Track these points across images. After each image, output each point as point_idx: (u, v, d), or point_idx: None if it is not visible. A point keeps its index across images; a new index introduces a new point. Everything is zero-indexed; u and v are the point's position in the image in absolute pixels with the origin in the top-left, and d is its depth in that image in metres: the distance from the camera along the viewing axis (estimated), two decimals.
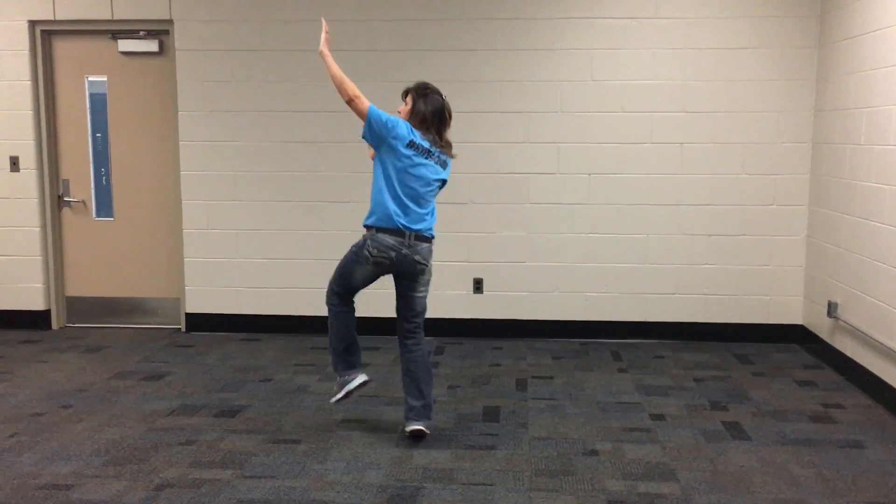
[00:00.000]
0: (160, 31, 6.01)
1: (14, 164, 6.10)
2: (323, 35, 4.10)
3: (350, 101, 3.97)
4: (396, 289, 4.13)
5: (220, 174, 6.03)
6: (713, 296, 5.91)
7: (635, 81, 5.76)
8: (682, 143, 5.79)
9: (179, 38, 5.93)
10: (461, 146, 5.80)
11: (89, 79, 6.17)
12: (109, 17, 5.94)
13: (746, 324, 5.90)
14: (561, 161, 5.86)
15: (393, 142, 3.89)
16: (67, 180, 6.26)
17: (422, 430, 4.06)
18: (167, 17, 5.91)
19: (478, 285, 6.03)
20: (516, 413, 4.48)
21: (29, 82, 6.03)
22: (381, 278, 4.12)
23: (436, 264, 5.98)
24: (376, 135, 3.92)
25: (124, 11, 5.92)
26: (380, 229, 3.95)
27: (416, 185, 3.93)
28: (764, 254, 5.85)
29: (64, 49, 6.13)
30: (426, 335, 6.04)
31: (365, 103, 3.94)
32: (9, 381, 5.02)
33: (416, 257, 3.99)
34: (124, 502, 3.42)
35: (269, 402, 4.65)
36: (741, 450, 3.98)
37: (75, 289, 6.35)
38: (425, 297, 4.14)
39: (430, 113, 3.97)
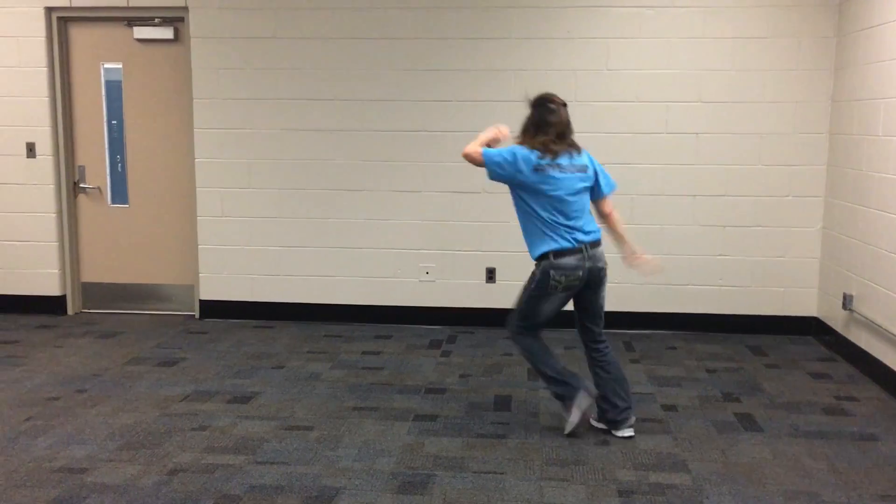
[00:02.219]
0: (175, 19, 6.02)
1: (30, 150, 6.14)
2: (494, 134, 3.99)
3: (467, 157, 3.90)
4: (580, 300, 4.02)
5: (234, 162, 6.05)
6: (727, 287, 5.88)
7: (651, 71, 5.72)
8: (697, 133, 5.75)
9: (194, 26, 5.94)
10: (475, 135, 5.80)
11: (105, 66, 6.19)
12: (125, 4, 5.96)
13: (760, 315, 5.88)
14: None
15: (520, 176, 3.82)
16: (83, 167, 6.29)
17: (630, 434, 3.99)
18: (182, 5, 5.92)
19: (490, 275, 6.03)
20: (527, 402, 4.49)
21: (45, 69, 6.06)
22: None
23: (448, 253, 6.04)
24: (502, 175, 3.86)
25: None
26: (557, 254, 3.83)
27: (559, 203, 3.83)
28: (779, 245, 5.81)
29: (80, 36, 6.15)
30: (439, 324, 6.10)
31: (477, 151, 3.86)
32: (24, 366, 5.07)
33: (599, 264, 3.92)
34: (138, 486, 3.45)
35: (282, 389, 4.67)
36: (753, 441, 3.97)
37: (90, 275, 6.40)
38: (603, 299, 4.05)
39: (557, 123, 3.90)
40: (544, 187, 3.82)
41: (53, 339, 5.66)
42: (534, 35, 5.76)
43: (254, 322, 6.12)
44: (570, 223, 3.86)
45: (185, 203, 6.22)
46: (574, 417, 3.96)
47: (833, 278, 5.56)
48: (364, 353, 5.41)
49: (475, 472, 3.61)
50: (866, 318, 4.98)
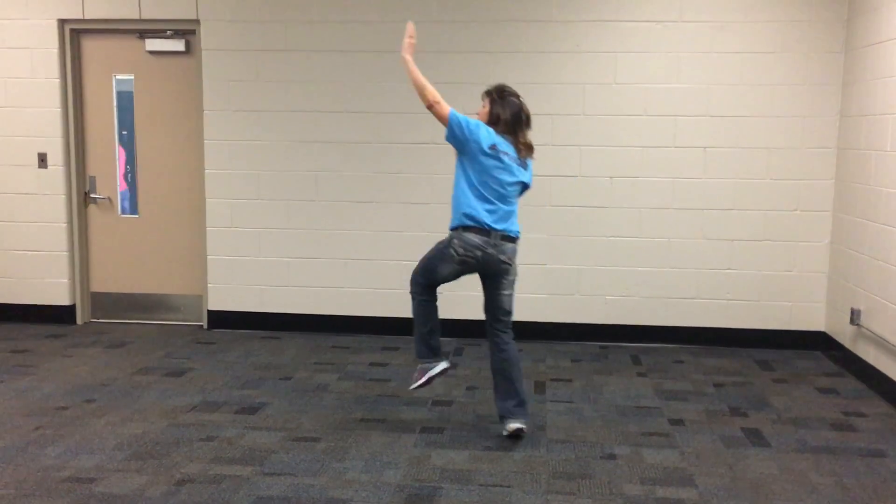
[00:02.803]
0: (187, 31, 6.07)
1: (42, 160, 6.19)
2: (406, 40, 4.14)
3: (430, 107, 4.03)
4: (484, 289, 4.19)
5: (243, 173, 6.09)
6: (735, 301, 5.88)
7: (659, 85, 5.74)
8: (705, 147, 5.76)
9: (206, 38, 5.99)
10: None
11: (117, 77, 6.24)
12: (137, 17, 6.01)
13: (768, 330, 5.87)
14: (583, 164, 5.85)
15: (474, 145, 3.96)
16: (94, 177, 6.34)
17: (522, 429, 4.09)
18: (194, 17, 5.97)
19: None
20: (534, 415, 4.49)
21: (57, 80, 6.11)
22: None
23: None
24: (458, 139, 3.99)
25: (152, 11, 5.99)
26: (466, 228, 4.01)
27: (497, 186, 4.00)
28: (787, 259, 5.81)
29: (92, 48, 6.21)
30: (446, 336, 6.09)
31: (445, 108, 4.00)
32: (34, 375, 5.09)
33: (502, 256, 4.03)
34: (146, 497, 3.46)
35: (290, 400, 4.68)
36: (760, 457, 3.96)
37: (100, 284, 6.43)
38: (512, 296, 4.17)
39: (510, 116, 4.05)
40: (489, 164, 3.97)
41: (62, 349, 5.69)
42: (543, 49, 5.79)
43: (262, 333, 6.14)
44: (497, 205, 4.01)
45: (194, 214, 6.25)
46: (419, 380, 4.19)
47: (841, 293, 5.55)
48: (371, 364, 5.42)
49: (482, 485, 3.61)
50: (874, 334, 4.97)
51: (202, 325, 6.32)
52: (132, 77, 6.22)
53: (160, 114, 6.23)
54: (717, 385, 5.06)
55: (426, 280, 4.18)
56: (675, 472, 3.77)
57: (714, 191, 5.79)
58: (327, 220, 6.08)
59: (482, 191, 3.99)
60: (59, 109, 6.14)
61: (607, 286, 5.95)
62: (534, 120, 5.91)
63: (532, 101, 5.80)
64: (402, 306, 6.09)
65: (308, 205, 6.08)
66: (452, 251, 4.04)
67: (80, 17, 6.04)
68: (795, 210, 5.77)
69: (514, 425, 4.09)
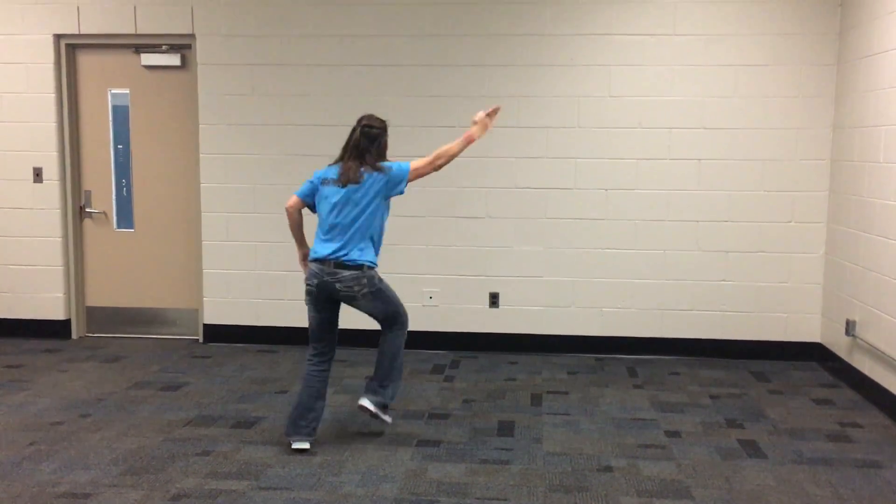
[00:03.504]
0: (182, 46, 6.09)
1: (37, 175, 6.19)
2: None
3: (288, 211, 4.26)
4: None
5: (239, 186, 6.09)
6: (730, 312, 5.89)
7: (653, 97, 5.77)
8: (699, 160, 5.79)
9: (201, 53, 6.01)
10: (479, 160, 5.88)
11: (112, 91, 6.26)
12: (133, 32, 6.03)
13: (763, 341, 5.88)
14: (578, 176, 5.87)
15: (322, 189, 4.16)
16: (89, 191, 6.34)
17: (364, 407, 4.15)
18: (189, 32, 6.00)
19: (494, 299, 6.04)
20: (531, 428, 4.48)
21: (53, 95, 6.12)
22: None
23: (451, 278, 6.05)
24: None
25: (147, 26, 6.01)
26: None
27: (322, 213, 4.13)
28: (781, 271, 5.82)
29: (88, 62, 6.22)
30: (442, 349, 6.09)
31: (287, 203, 4.24)
32: (29, 390, 5.08)
33: (338, 285, 4.02)
34: None
35: (285, 414, 4.66)
36: (757, 468, 3.96)
37: (95, 299, 6.42)
38: (378, 306, 4.14)
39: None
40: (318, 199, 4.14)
41: (58, 364, 5.68)
42: (537, 62, 5.82)
43: (257, 346, 6.13)
44: (325, 235, 4.10)
45: (189, 227, 6.25)
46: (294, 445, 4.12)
47: (836, 304, 5.56)
48: (367, 377, 5.39)
49: (478, 499, 3.61)
50: (869, 344, 4.98)
51: (198, 339, 6.31)
52: (128, 91, 6.24)
53: (156, 128, 6.24)
54: (713, 397, 5.06)
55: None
56: (672, 485, 3.77)
57: (709, 202, 5.81)
58: None
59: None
60: (55, 124, 6.15)
61: (603, 298, 5.96)
62: (529, 133, 5.99)
63: (527, 115, 5.88)
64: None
65: (303, 219, 6.07)
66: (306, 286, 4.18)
67: (76, 32, 6.06)
68: (790, 221, 5.79)
69: (360, 401, 4.16)
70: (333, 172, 4.10)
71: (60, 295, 6.30)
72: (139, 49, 6.13)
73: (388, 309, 4.17)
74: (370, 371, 5.51)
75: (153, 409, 4.73)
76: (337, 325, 4.23)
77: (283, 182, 6.06)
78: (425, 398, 4.99)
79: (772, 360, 5.84)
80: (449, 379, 5.40)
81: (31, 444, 4.19)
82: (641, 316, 5.95)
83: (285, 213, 4.25)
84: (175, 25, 5.99)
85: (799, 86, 5.67)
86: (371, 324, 6.07)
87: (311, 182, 4.17)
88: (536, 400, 4.98)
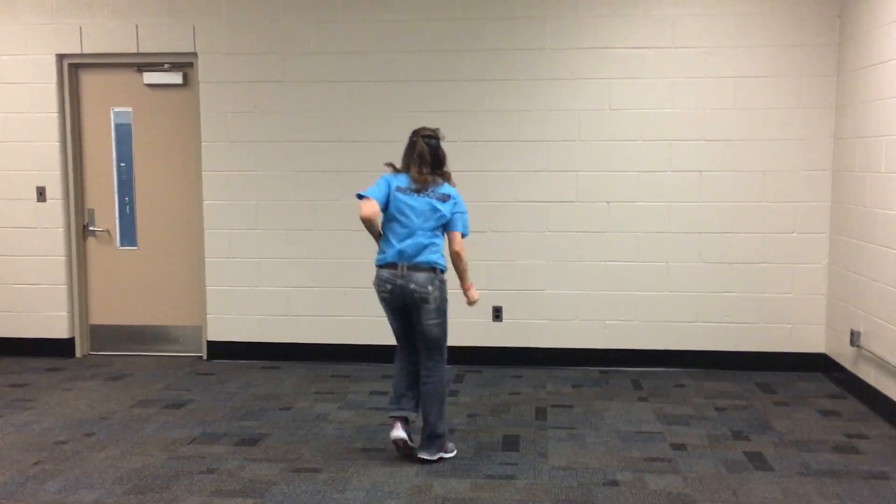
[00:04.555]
0: (184, 64, 6.12)
1: (41, 194, 6.21)
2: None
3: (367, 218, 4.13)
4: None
5: (242, 203, 6.11)
6: (734, 324, 5.88)
7: (653, 110, 5.78)
8: (700, 171, 5.79)
9: (203, 71, 6.04)
10: (481, 175, 5.89)
11: (115, 110, 6.28)
12: (135, 51, 6.06)
13: (768, 352, 5.86)
14: (580, 189, 5.88)
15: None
16: (92, 210, 6.35)
17: (425, 460, 4.15)
18: (191, 50, 6.03)
19: (497, 313, 6.04)
20: (536, 442, 4.47)
21: (56, 114, 6.15)
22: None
23: (454, 291, 6.02)
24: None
25: (150, 45, 6.04)
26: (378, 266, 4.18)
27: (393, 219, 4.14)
28: (785, 282, 5.82)
29: (90, 81, 6.25)
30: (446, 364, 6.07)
31: (363, 209, 4.10)
32: (33, 409, 5.07)
33: (412, 286, 4.05)
34: None
35: (290, 431, 4.66)
36: (764, 481, 3.95)
37: (99, 317, 6.43)
38: (439, 323, 4.16)
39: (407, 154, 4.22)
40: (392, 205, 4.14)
41: (62, 382, 5.68)
42: (538, 76, 5.84)
43: (261, 363, 6.13)
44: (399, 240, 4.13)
45: (193, 245, 6.26)
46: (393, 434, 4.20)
47: (840, 315, 5.55)
48: (372, 393, 5.40)
49: None
50: (874, 355, 4.97)
51: (201, 356, 6.31)
52: (130, 110, 6.26)
53: (158, 146, 6.26)
54: (718, 409, 5.05)
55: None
56: (679, 498, 3.75)
57: (711, 214, 5.82)
58: (326, 249, 6.09)
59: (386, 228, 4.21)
60: (58, 143, 6.17)
61: (606, 311, 5.95)
62: (530, 147, 5.99)
63: (528, 128, 5.89)
64: (382, 334, 6.09)
65: (306, 234, 6.10)
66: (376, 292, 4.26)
67: (79, 51, 6.10)
68: (792, 232, 5.79)
69: (419, 454, 4.15)
70: (404, 181, 4.13)
71: (64, 313, 6.31)
72: (141, 68, 6.16)
73: (440, 334, 4.18)
74: (374, 386, 5.53)
75: (157, 427, 4.73)
76: None
77: (285, 198, 6.07)
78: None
79: (777, 371, 5.82)
80: (453, 393, 5.39)
81: (35, 463, 4.18)
82: (645, 328, 5.94)
83: (365, 221, 4.10)
84: (177, 44, 6.03)
85: (799, 97, 5.69)
86: (365, 337, 6.10)
87: (385, 185, 4.13)
88: (541, 414, 4.97)
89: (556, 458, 4.23)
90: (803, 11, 5.63)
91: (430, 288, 4.08)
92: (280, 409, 5.06)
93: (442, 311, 4.15)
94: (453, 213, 4.16)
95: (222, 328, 6.21)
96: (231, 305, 6.18)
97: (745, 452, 4.31)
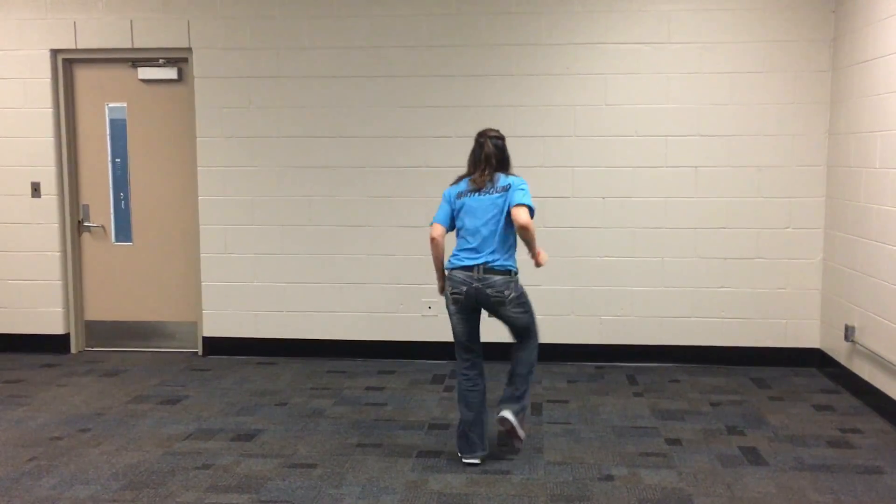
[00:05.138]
0: (179, 59, 6.11)
1: (35, 190, 6.20)
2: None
3: (432, 243, 4.17)
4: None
5: (237, 199, 6.10)
6: (729, 319, 5.89)
7: (649, 105, 5.79)
8: (696, 167, 5.80)
9: (198, 66, 6.02)
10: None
11: (109, 105, 6.27)
12: (130, 46, 6.05)
13: (763, 347, 5.88)
14: (576, 185, 5.88)
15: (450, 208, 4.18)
16: (87, 205, 6.34)
17: (505, 418, 4.11)
18: (186, 46, 6.01)
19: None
20: (531, 437, 4.48)
21: (50, 109, 6.13)
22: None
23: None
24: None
25: (144, 40, 6.03)
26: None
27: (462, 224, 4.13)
28: (780, 277, 5.83)
29: (85, 77, 6.24)
30: (442, 359, 6.09)
31: (431, 234, 4.15)
32: (28, 405, 5.07)
33: (488, 290, 4.04)
34: None
35: (285, 426, 4.67)
36: (758, 475, 3.96)
37: (94, 313, 6.42)
38: (521, 315, 4.16)
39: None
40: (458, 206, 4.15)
41: (57, 378, 5.67)
42: (533, 72, 5.83)
43: (257, 358, 6.13)
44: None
45: (188, 240, 6.26)
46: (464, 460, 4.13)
47: (834, 310, 5.57)
48: (367, 388, 5.41)
49: None
50: (869, 350, 4.98)
51: (197, 352, 6.30)
52: (125, 105, 6.25)
53: (153, 141, 6.25)
54: (713, 404, 5.06)
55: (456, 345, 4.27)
56: (674, 493, 3.76)
57: (706, 210, 5.82)
58: (321, 244, 6.09)
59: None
60: (53, 139, 6.16)
61: (602, 306, 5.96)
62: (526, 142, 5.99)
63: (524, 124, 5.89)
64: (397, 330, 6.11)
65: (302, 230, 6.10)
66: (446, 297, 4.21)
67: (73, 47, 6.08)
68: (787, 227, 5.80)
69: (502, 413, 4.13)
70: (463, 185, 4.14)
71: (59, 309, 6.30)
72: (136, 63, 6.15)
73: (529, 319, 4.19)
74: (370, 382, 5.53)
75: (153, 423, 4.73)
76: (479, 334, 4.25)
77: (280, 194, 6.06)
78: (425, 409, 4.99)
79: (771, 366, 5.84)
80: (449, 389, 5.40)
81: (30, 459, 4.18)
82: (641, 323, 5.95)
83: (431, 245, 4.16)
84: (172, 39, 6.01)
85: (794, 92, 5.69)
86: (360, 333, 6.11)
87: (447, 204, 4.16)
88: (536, 409, 4.97)
89: (551, 454, 4.24)
90: (798, 7, 5.63)
91: (506, 292, 4.06)
92: (275, 405, 5.06)
93: (523, 303, 4.15)
94: (513, 192, 4.11)
95: (218, 324, 6.21)
96: (227, 301, 6.18)
97: (739, 447, 4.32)
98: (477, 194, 4.09)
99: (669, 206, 5.84)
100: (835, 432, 4.56)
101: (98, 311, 6.42)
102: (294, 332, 6.17)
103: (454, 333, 4.21)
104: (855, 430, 4.58)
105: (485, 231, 4.06)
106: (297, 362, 6.03)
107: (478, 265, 4.05)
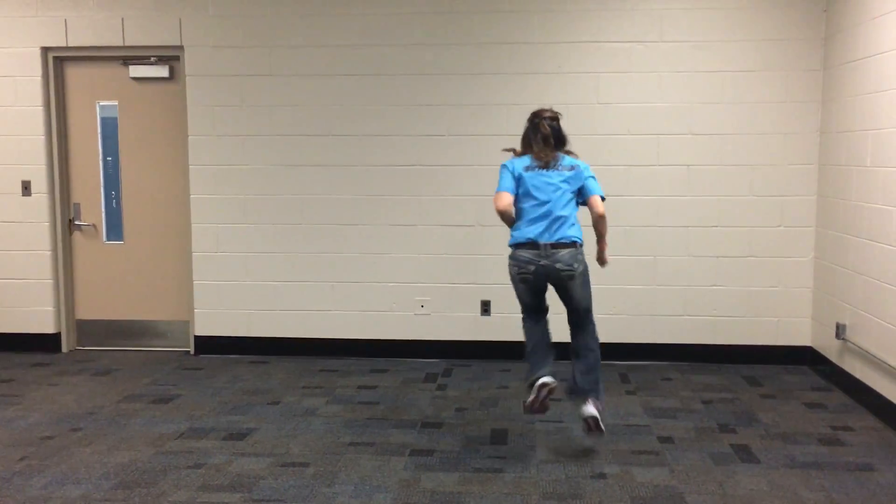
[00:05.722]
0: (171, 57, 6.09)
1: (26, 188, 6.17)
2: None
3: (503, 211, 4.19)
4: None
5: (229, 197, 6.08)
6: (721, 317, 5.90)
7: (641, 104, 5.79)
8: (688, 165, 5.81)
9: (190, 64, 6.00)
10: (469, 169, 5.90)
11: (101, 104, 6.24)
12: (121, 44, 6.02)
13: (755, 345, 5.89)
14: None
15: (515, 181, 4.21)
16: (78, 204, 6.32)
17: (591, 415, 4.14)
18: (178, 44, 5.99)
19: (485, 307, 6.04)
20: (524, 436, 4.48)
21: (41, 107, 6.10)
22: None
23: (443, 286, 6.05)
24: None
25: (136, 38, 6.01)
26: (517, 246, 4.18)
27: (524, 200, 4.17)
28: (772, 275, 5.85)
29: (76, 75, 6.21)
30: (434, 358, 6.09)
31: (498, 203, 4.18)
32: (19, 405, 5.05)
33: (558, 265, 4.08)
34: None
35: (278, 425, 4.66)
36: (750, 473, 3.97)
37: (85, 312, 6.39)
38: (587, 290, 4.25)
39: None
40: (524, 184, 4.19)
41: (48, 378, 5.64)
42: (526, 70, 5.83)
43: (249, 357, 6.12)
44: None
45: (180, 239, 6.24)
46: (529, 398, 4.17)
47: (826, 308, 5.59)
48: (360, 387, 5.40)
49: None
50: (859, 348, 5.00)
51: (189, 351, 6.29)
52: (116, 103, 6.22)
53: (145, 140, 6.23)
54: (705, 402, 5.07)
55: (522, 307, 4.35)
56: (666, 491, 3.77)
57: (698, 208, 5.84)
58: (314, 243, 6.08)
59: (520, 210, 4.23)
60: (43, 137, 6.13)
61: (595, 304, 5.94)
62: (519, 141, 5.97)
63: (516, 123, 5.84)
64: (389, 328, 6.10)
65: (294, 228, 6.08)
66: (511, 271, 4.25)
67: (64, 44, 6.05)
68: (779, 226, 5.81)
69: (586, 410, 4.16)
70: (527, 160, 4.18)
71: (50, 308, 6.27)
72: (127, 61, 6.12)
73: (590, 295, 4.25)
74: (362, 380, 5.53)
75: (144, 423, 4.71)
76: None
77: (273, 192, 6.05)
78: (418, 407, 4.98)
79: (763, 364, 5.85)
80: (441, 387, 5.40)
81: (21, 458, 4.16)
82: (633, 322, 5.96)
83: (500, 215, 4.19)
84: (163, 37, 5.99)
85: (786, 91, 5.71)
86: (353, 332, 6.10)
87: (510, 175, 4.17)
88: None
89: (544, 452, 4.25)
90: (790, 6, 5.65)
91: (575, 265, 4.11)
92: (268, 404, 5.05)
93: (587, 280, 4.20)
94: (586, 179, 4.18)
95: (210, 323, 6.19)
96: (218, 300, 6.16)
97: (731, 445, 4.34)
98: (545, 170, 4.13)
99: (662, 205, 5.85)
100: (826, 430, 4.57)
101: (89, 310, 6.39)
102: (286, 330, 6.16)
103: (521, 301, 4.28)
104: (846, 428, 4.60)
105: (554, 207, 4.10)
106: (290, 361, 6.02)
107: (545, 242, 4.08)
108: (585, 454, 4.21)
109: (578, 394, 4.24)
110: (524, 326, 4.35)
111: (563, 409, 4.95)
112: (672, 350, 5.94)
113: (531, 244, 4.10)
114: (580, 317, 4.27)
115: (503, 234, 5.97)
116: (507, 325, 6.02)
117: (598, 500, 3.67)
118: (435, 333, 6.09)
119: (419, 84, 5.91)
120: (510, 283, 4.27)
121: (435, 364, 5.96)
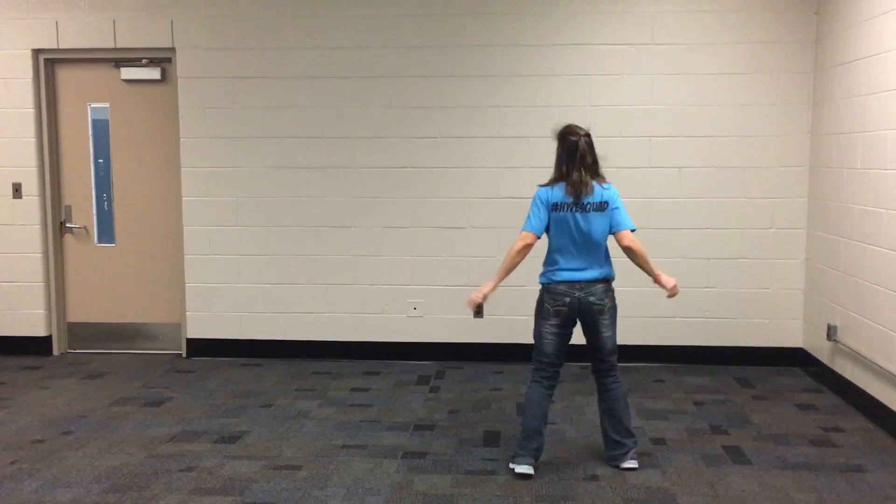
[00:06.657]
0: (162, 59, 6.08)
1: (17, 190, 6.15)
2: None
3: (522, 251, 4.08)
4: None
5: (221, 200, 6.07)
6: (713, 319, 5.92)
7: (633, 106, 5.81)
8: (680, 168, 5.82)
9: (181, 66, 5.99)
10: (461, 171, 5.90)
11: (92, 106, 6.22)
12: (112, 46, 6.01)
13: (747, 347, 5.91)
14: None
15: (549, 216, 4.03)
16: (70, 206, 6.29)
17: (636, 466, 4.03)
18: (169, 46, 5.98)
19: (478, 309, 6.02)
20: (517, 438, 4.47)
21: (32, 110, 6.08)
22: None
23: (435, 288, 6.05)
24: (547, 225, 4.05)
25: (127, 40, 5.99)
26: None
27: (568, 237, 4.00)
28: (763, 277, 5.86)
29: (67, 77, 6.19)
30: (427, 360, 6.09)
31: (520, 242, 4.07)
32: (9, 408, 5.02)
33: (591, 298, 3.97)
34: None
35: (270, 428, 4.65)
36: (742, 474, 3.98)
37: (77, 314, 6.37)
38: (614, 328, 4.08)
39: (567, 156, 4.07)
40: (556, 218, 4.04)
41: (39, 381, 5.62)
42: (517, 72, 5.84)
43: (241, 360, 6.10)
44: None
45: (172, 241, 6.22)
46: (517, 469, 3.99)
47: (817, 309, 5.60)
48: (352, 389, 5.40)
49: None
50: (850, 349, 5.02)
51: (181, 354, 6.27)
52: (108, 106, 6.21)
53: (136, 142, 6.21)
54: (697, 403, 5.08)
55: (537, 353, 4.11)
56: (658, 492, 3.77)
57: (690, 210, 5.85)
58: (306, 245, 6.07)
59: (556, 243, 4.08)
60: (34, 139, 6.10)
61: None
62: (510, 143, 5.99)
63: (508, 125, 5.90)
64: (382, 331, 6.10)
65: (286, 230, 6.08)
66: (546, 306, 4.07)
67: (55, 46, 6.03)
68: (770, 228, 5.83)
69: (629, 464, 4.03)
70: (559, 194, 3.97)
71: (41, 311, 6.24)
72: (119, 63, 6.11)
73: (615, 334, 4.09)
74: (355, 383, 5.52)
75: (136, 426, 4.70)
76: None
77: (265, 194, 6.04)
78: (410, 409, 4.98)
79: (755, 365, 5.87)
80: (434, 390, 5.39)
81: (12, 462, 4.14)
82: (625, 324, 5.91)
83: (515, 254, 4.06)
84: (155, 39, 5.98)
85: (777, 93, 5.73)
86: (345, 334, 6.09)
87: (540, 211, 4.01)
88: (522, 410, 4.97)
89: None
90: (781, 8, 5.67)
91: (606, 300, 4.00)
92: (260, 407, 5.04)
93: (615, 319, 4.07)
94: (612, 210, 3.99)
95: (202, 325, 6.18)
96: (210, 302, 6.15)
97: (723, 446, 4.34)
98: (580, 212, 3.94)
99: (653, 207, 5.86)
100: (817, 431, 4.59)
101: (81, 312, 6.37)
102: (279, 333, 6.14)
103: (542, 348, 4.03)
104: (837, 429, 4.61)
105: (589, 251, 3.98)
106: (282, 363, 6.01)
107: (580, 280, 3.98)
108: (578, 456, 4.21)
109: (620, 455, 4.05)
110: (528, 394, 4.05)
111: (554, 411, 4.95)
112: (664, 352, 5.96)
113: (569, 283, 3.97)
114: (607, 354, 4.04)
115: (496, 236, 6.00)
116: (500, 327, 6.03)
117: (591, 502, 3.68)
118: (427, 335, 6.09)
119: (411, 86, 5.91)
120: (534, 320, 4.12)
121: (427, 366, 5.96)
